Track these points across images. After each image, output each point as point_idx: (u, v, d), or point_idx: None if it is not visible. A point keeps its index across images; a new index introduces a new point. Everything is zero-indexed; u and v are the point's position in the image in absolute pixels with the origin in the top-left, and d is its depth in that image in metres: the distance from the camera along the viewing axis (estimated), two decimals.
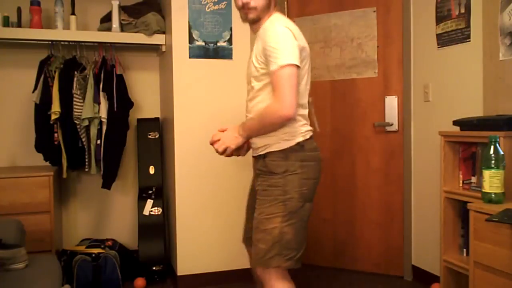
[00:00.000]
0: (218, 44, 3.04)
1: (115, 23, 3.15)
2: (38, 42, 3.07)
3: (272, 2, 1.92)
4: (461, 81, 2.65)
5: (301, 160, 1.86)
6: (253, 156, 2.03)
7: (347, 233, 3.30)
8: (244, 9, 1.91)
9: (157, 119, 3.41)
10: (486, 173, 1.93)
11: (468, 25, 2.57)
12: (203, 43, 3.02)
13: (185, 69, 3.00)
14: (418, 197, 3.04)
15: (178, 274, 3.02)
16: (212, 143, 1.95)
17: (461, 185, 2.44)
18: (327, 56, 3.32)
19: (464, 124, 2.34)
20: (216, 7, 3.03)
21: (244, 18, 1.96)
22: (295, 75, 1.76)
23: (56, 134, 3.03)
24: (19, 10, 3.04)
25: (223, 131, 1.95)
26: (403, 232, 3.14)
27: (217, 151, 1.94)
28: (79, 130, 3.03)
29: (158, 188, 3.25)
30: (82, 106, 3.00)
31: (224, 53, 3.05)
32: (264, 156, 1.91)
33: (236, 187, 3.11)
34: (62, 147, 3.03)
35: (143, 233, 3.13)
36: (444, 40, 2.76)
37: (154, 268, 3.10)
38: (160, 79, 3.55)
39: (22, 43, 3.10)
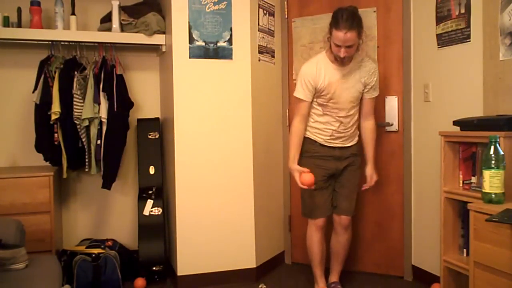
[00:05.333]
0: (218, 44, 3.04)
1: (115, 23, 3.15)
2: (38, 42, 3.07)
3: (360, 44, 2.66)
4: (461, 81, 2.65)
5: None
6: (340, 148, 2.77)
7: None
8: (343, 59, 2.59)
9: (157, 119, 3.41)
10: (486, 173, 1.93)
11: (468, 25, 2.57)
12: (203, 43, 3.01)
13: (185, 69, 3.00)
14: (418, 197, 3.04)
15: (178, 274, 3.02)
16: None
17: (461, 185, 2.44)
18: None
19: (464, 124, 2.34)
20: (216, 7, 3.03)
21: (341, 63, 2.64)
22: None
23: (56, 134, 3.03)
24: (19, 10, 3.04)
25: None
26: (403, 232, 3.14)
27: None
28: (79, 130, 3.03)
29: (158, 188, 3.25)
30: (82, 106, 3.00)
31: (224, 53, 3.05)
32: (355, 144, 2.82)
33: (237, 187, 3.11)
34: (62, 147, 3.03)
35: (143, 233, 3.13)
36: (444, 40, 2.76)
37: (154, 268, 3.10)
38: (160, 79, 3.55)
39: (22, 43, 3.10)
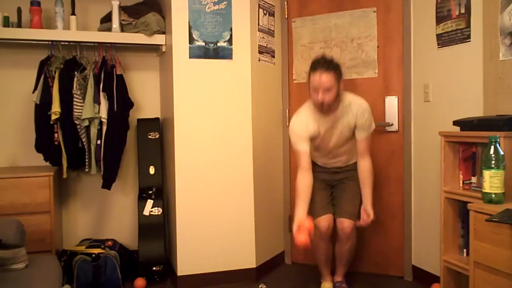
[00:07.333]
0: (218, 44, 3.04)
1: (115, 23, 3.15)
2: (38, 42, 3.07)
3: (340, 90, 2.57)
4: (461, 81, 2.65)
5: None
6: (338, 167, 2.86)
7: None
8: (320, 105, 2.53)
9: (157, 119, 3.41)
10: (486, 173, 1.93)
11: (468, 25, 2.57)
12: (203, 43, 3.01)
13: (185, 69, 3.00)
14: (418, 197, 3.04)
15: (178, 274, 3.01)
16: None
17: (461, 185, 2.44)
18: None
19: (464, 124, 2.34)
20: (216, 7, 3.03)
21: (321, 110, 2.58)
22: None
23: (56, 134, 3.03)
24: (19, 10, 3.04)
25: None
26: (403, 232, 3.14)
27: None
28: (79, 130, 3.03)
29: (158, 188, 3.25)
30: (82, 106, 3.00)
31: (224, 53, 3.05)
32: (352, 163, 2.83)
33: (236, 187, 3.11)
34: (62, 147, 3.03)
35: (143, 233, 3.13)
36: (444, 40, 2.76)
37: (154, 268, 3.10)
38: (160, 79, 3.55)
39: (22, 43, 3.11)
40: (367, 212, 2.72)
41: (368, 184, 2.73)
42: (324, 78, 2.47)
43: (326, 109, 2.56)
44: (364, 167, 2.73)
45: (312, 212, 2.80)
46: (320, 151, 2.82)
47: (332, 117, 2.63)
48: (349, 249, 2.83)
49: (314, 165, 2.84)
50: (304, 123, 2.64)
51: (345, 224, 2.73)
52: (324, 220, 2.75)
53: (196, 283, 3.02)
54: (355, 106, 2.63)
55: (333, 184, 2.89)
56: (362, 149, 2.72)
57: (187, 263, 3.03)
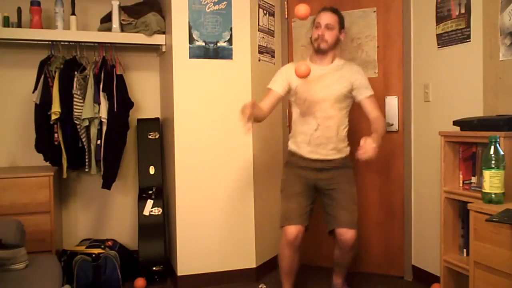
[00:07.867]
0: (218, 44, 3.04)
1: (115, 23, 3.15)
2: (38, 42, 3.07)
3: (338, 45, 2.68)
4: (461, 81, 2.65)
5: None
6: (322, 160, 2.59)
7: None
8: (318, 40, 2.57)
9: (157, 119, 3.41)
10: (486, 173, 1.93)
11: (468, 25, 2.57)
12: (203, 43, 3.02)
13: (185, 69, 3.00)
14: (418, 197, 3.04)
15: (178, 274, 3.02)
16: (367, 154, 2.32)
17: (461, 185, 2.44)
18: None
19: (464, 124, 2.34)
20: (216, 7, 3.03)
21: (318, 49, 2.59)
22: None
23: (56, 134, 3.03)
24: (19, 10, 3.04)
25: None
26: (403, 232, 3.14)
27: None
28: (79, 130, 3.03)
29: (158, 188, 3.25)
30: (82, 106, 3.00)
31: (224, 53, 3.05)
32: (340, 158, 2.61)
33: (237, 187, 3.11)
34: (62, 147, 3.03)
35: (143, 233, 3.13)
36: (444, 40, 2.76)
37: (154, 268, 3.10)
38: (160, 79, 3.55)
39: (22, 43, 3.10)
40: (367, 139, 2.27)
41: (379, 131, 2.43)
42: (327, 15, 2.59)
43: (323, 46, 2.57)
44: (376, 119, 2.52)
45: (282, 217, 2.57)
46: (307, 115, 2.57)
47: (325, 69, 2.60)
48: (351, 256, 2.66)
49: (294, 156, 2.65)
50: (292, 64, 2.67)
51: (348, 235, 2.48)
52: (293, 229, 2.50)
53: (196, 283, 3.02)
54: (349, 64, 2.69)
55: (319, 187, 2.61)
56: (369, 109, 2.56)
57: (187, 263, 3.03)
